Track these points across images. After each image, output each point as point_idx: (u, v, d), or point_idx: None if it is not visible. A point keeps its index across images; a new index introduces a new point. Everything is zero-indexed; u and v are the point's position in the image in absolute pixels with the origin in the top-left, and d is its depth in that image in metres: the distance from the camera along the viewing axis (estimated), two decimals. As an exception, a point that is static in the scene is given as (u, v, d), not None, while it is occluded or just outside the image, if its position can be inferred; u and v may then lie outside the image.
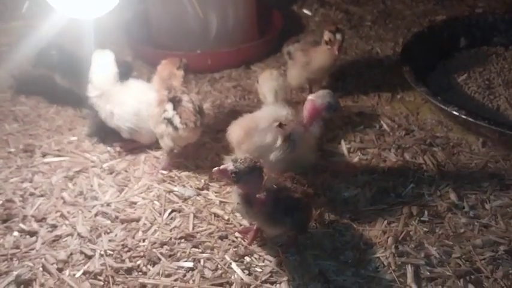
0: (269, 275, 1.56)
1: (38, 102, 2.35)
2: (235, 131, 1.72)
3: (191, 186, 1.86)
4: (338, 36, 2.09)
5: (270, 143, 1.67)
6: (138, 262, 1.60)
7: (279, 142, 1.67)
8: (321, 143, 1.97)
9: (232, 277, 1.56)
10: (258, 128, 1.68)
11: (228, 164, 1.47)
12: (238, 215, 1.72)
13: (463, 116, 1.89)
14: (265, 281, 1.55)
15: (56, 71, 2.23)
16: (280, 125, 1.66)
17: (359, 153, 1.99)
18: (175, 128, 1.82)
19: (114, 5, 1.85)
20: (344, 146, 2.02)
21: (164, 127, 1.84)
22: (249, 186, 1.50)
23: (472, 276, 1.54)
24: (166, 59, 2.01)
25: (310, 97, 1.71)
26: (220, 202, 1.80)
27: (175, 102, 1.85)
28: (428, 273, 1.55)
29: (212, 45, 2.54)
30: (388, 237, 1.65)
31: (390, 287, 1.52)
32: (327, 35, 2.11)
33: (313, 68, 2.19)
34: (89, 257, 1.64)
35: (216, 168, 1.48)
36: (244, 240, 1.67)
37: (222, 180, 1.84)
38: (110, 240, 1.68)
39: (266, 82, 1.97)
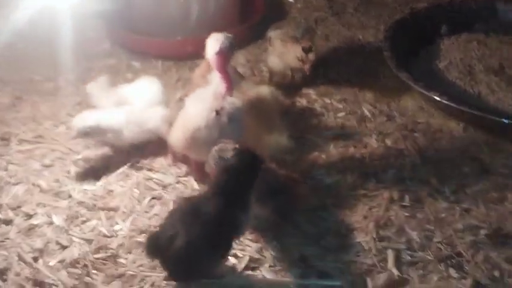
0: (250, 261, 1.54)
1: (14, 90, 2.28)
2: (178, 140, 1.65)
3: (171, 174, 1.83)
4: (311, 55, 2.08)
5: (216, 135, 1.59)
6: (117, 250, 1.58)
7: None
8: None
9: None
10: (200, 126, 1.58)
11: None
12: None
13: (445, 102, 1.89)
14: (246, 267, 1.53)
15: None
16: (218, 113, 1.58)
17: (340, 140, 1.97)
18: None
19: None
20: (326, 133, 2.01)
21: None
22: None
23: (453, 260, 1.54)
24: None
25: (209, 56, 1.63)
26: (201, 189, 1.78)
27: None
28: (409, 258, 1.55)
29: (193, 31, 2.50)
30: (369, 222, 1.64)
31: (371, 271, 1.51)
32: (299, 53, 2.09)
33: (285, 62, 2.18)
34: (66, 246, 1.60)
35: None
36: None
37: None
38: (87, 229, 1.65)
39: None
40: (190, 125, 1.60)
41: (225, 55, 1.59)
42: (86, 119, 1.81)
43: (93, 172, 1.85)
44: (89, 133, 1.81)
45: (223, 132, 1.59)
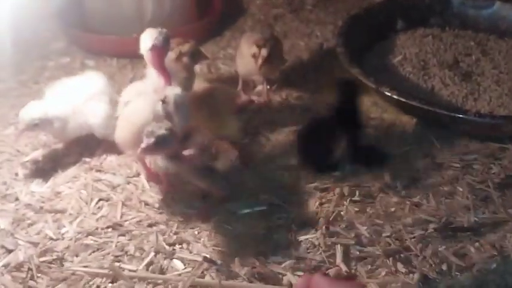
0: (200, 262, 1.52)
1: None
2: (125, 138, 1.61)
3: (121, 175, 1.80)
4: (263, 51, 1.99)
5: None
6: (63, 253, 1.55)
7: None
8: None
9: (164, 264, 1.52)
10: (148, 120, 1.53)
11: (148, 140, 1.42)
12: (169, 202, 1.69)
13: (395, 96, 1.90)
14: (196, 268, 1.51)
15: None
16: (163, 101, 1.53)
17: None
18: None
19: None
20: (281, 130, 2.00)
21: None
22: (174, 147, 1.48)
23: (402, 255, 1.54)
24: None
25: (144, 52, 1.58)
26: (152, 189, 1.75)
27: None
28: (357, 253, 1.55)
29: (148, 28, 2.46)
30: (319, 218, 1.64)
31: (320, 267, 1.51)
32: (253, 49, 2.00)
33: (242, 64, 2.11)
34: (11, 250, 1.56)
35: (140, 150, 1.44)
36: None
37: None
38: (33, 232, 1.61)
39: None
40: (137, 120, 1.55)
41: (159, 51, 1.56)
42: (32, 110, 1.76)
43: (42, 174, 1.81)
44: (38, 125, 1.75)
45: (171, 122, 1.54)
